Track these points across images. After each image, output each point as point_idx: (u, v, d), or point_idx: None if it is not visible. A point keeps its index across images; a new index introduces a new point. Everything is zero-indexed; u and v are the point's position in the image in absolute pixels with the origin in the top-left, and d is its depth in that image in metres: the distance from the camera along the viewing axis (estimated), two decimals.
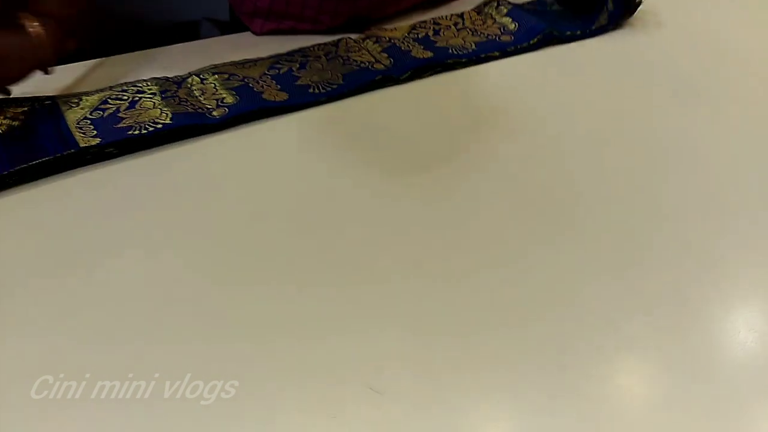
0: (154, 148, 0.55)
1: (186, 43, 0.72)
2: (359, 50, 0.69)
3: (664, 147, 0.58)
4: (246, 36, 0.74)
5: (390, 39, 0.71)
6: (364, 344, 0.39)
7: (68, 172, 0.52)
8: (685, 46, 0.76)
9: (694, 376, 0.38)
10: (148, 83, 0.62)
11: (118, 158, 0.54)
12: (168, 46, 0.71)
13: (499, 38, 0.73)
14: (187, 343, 0.38)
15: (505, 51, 0.71)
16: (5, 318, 0.40)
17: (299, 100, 0.61)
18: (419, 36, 0.73)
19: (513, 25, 0.75)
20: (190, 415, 0.34)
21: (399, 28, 0.73)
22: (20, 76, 0.55)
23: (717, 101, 0.65)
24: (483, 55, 0.70)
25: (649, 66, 0.72)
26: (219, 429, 0.34)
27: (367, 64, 0.67)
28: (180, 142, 0.56)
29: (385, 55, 0.68)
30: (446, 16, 0.76)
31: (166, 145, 0.55)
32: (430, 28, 0.74)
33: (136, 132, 0.54)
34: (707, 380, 0.37)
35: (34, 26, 0.52)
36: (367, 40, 0.71)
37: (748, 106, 0.64)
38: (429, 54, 0.69)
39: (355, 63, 0.67)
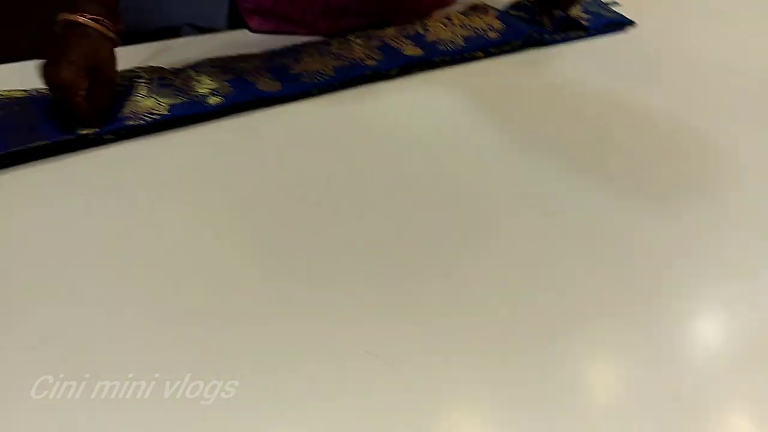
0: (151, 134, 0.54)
1: (182, 38, 0.70)
2: (351, 47, 0.67)
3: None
4: (242, 33, 0.72)
5: (381, 37, 0.69)
6: (366, 343, 0.37)
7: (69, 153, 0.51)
8: (660, 50, 0.76)
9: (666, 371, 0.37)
10: (146, 70, 0.59)
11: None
12: (164, 41, 0.68)
13: (486, 34, 0.72)
14: (187, 343, 0.36)
15: (488, 51, 0.70)
16: (5, 318, 0.37)
17: (292, 89, 0.60)
18: (410, 33, 0.71)
19: (500, 25, 0.74)
20: (190, 415, 0.33)
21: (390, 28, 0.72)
22: (112, 61, 0.55)
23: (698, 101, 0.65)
24: (467, 54, 0.69)
25: (630, 66, 0.71)
26: (219, 429, 0.33)
27: (358, 60, 0.65)
28: (177, 128, 0.55)
29: (377, 51, 0.67)
30: (435, 18, 0.75)
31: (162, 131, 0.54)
32: (420, 26, 0.72)
33: (133, 123, 0.52)
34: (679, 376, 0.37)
35: (93, 19, 0.52)
36: (359, 38, 0.69)
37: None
38: (419, 51, 0.67)
39: (346, 59, 0.65)
